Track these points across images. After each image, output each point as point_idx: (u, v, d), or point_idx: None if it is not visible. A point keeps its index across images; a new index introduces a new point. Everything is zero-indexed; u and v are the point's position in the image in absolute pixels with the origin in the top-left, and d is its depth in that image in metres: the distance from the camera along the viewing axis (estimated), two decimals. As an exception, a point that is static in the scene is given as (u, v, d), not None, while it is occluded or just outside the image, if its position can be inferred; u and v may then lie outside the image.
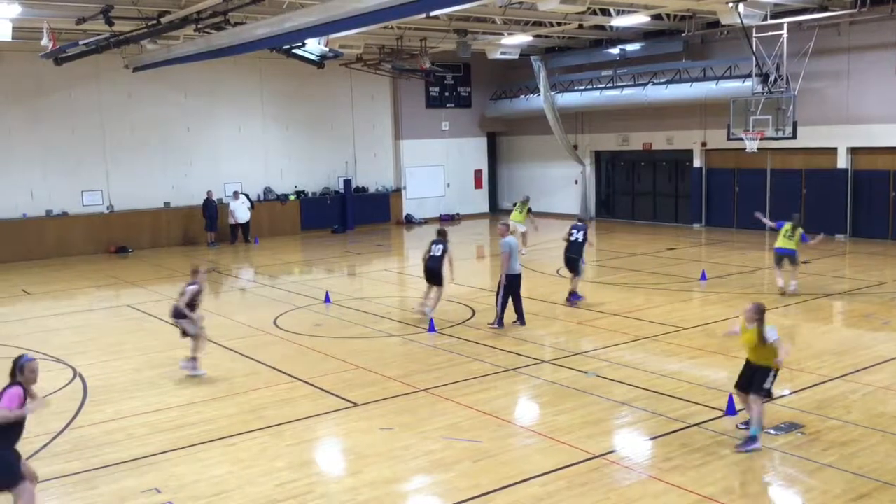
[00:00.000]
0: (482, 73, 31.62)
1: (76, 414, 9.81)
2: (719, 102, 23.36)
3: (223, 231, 25.94)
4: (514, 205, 23.47)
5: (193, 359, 11.30)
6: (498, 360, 11.61)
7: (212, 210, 25.53)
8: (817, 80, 22.33)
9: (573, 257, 15.18)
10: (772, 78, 20.90)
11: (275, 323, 14.47)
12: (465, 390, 10.23)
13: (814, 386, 9.96)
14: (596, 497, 7.14)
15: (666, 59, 25.55)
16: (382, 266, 21.53)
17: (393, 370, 11.27)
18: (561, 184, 31.07)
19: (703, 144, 26.24)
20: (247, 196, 26.42)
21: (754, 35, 20.91)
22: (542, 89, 28.63)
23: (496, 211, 32.65)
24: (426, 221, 30.95)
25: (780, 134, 20.57)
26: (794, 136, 20.58)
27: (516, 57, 26.15)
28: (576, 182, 30.51)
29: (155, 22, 17.63)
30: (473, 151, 32.62)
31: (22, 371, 6.63)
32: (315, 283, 18.48)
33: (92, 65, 22.30)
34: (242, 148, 27.50)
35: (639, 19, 21.25)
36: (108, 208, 25.22)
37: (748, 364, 8.45)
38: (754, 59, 21.25)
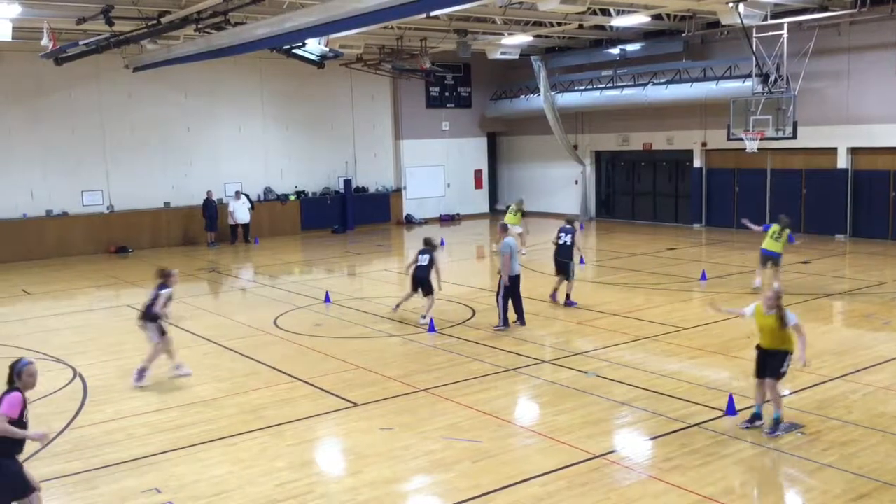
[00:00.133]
0: (482, 73, 31.63)
1: (76, 414, 9.81)
2: (719, 102, 23.36)
3: (223, 231, 25.94)
4: (508, 207, 23.57)
5: (143, 369, 10.84)
6: (498, 361, 11.62)
7: (212, 210, 25.54)
8: (817, 81, 22.34)
9: (564, 261, 14.97)
10: (772, 78, 20.90)
11: (275, 323, 14.47)
12: (466, 390, 10.23)
13: (814, 386, 9.96)
14: (596, 497, 7.14)
15: (666, 60, 25.55)
16: (382, 266, 21.53)
17: (393, 370, 11.27)
18: (561, 184, 31.07)
19: (704, 144, 26.24)
20: (247, 196, 26.42)
21: (754, 35, 20.91)
22: (542, 89, 28.63)
23: (496, 211, 32.63)
24: (426, 222, 30.96)
25: (781, 134, 20.57)
26: (794, 137, 20.58)
27: (516, 57, 26.15)
28: (576, 182, 30.51)
29: (155, 22, 17.63)
30: (473, 151, 32.62)
31: (20, 376, 6.47)
32: (315, 283, 18.48)
33: (92, 65, 22.31)
34: (243, 148, 27.50)
35: (639, 19, 21.25)
36: (108, 208, 25.23)
37: (762, 351, 8.58)
38: (754, 59, 21.26)
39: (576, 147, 30.14)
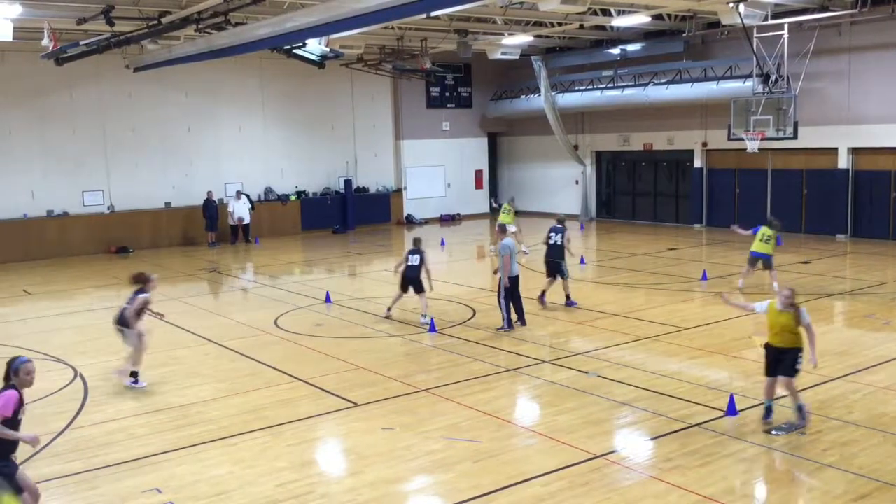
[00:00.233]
0: (483, 74, 31.63)
1: (77, 414, 9.81)
2: (720, 103, 23.36)
3: (224, 231, 25.94)
4: (500, 206, 23.65)
5: (134, 373, 10.74)
6: (499, 361, 11.62)
7: (212, 210, 25.54)
8: (818, 81, 22.33)
9: (555, 261, 14.85)
10: (772, 78, 20.90)
11: (275, 323, 14.47)
12: (466, 390, 10.23)
13: (815, 386, 9.94)
14: (597, 497, 7.13)
15: (667, 60, 25.55)
16: (383, 266, 21.50)
17: (394, 370, 11.27)
18: (562, 184, 31.07)
19: (704, 145, 26.23)
20: (248, 196, 26.41)
21: (755, 35, 20.90)
22: (542, 89, 28.62)
23: (496, 211, 32.59)
24: (427, 222, 30.96)
25: (781, 134, 20.56)
26: (794, 137, 20.58)
27: (517, 57, 26.14)
28: (576, 182, 30.50)
29: (156, 22, 17.64)
30: (474, 152, 32.62)
31: (17, 373, 6.34)
32: (316, 284, 18.48)
33: (93, 65, 22.31)
34: (243, 148, 27.50)
35: (639, 19, 21.25)
36: (108, 208, 25.23)
37: (772, 349, 8.64)
38: (755, 59, 21.25)
39: (576, 147, 30.14)
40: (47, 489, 7.63)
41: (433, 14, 17.25)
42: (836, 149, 22.76)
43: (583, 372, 10.89)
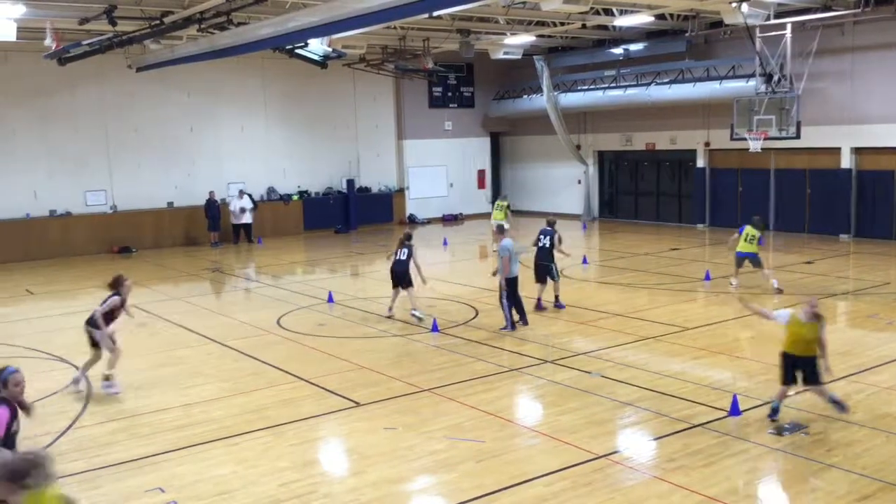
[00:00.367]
0: (485, 73, 31.62)
1: (80, 414, 9.82)
2: (723, 102, 23.33)
3: (226, 231, 25.95)
4: (494, 204, 23.71)
5: (107, 376, 10.54)
6: (501, 361, 11.61)
7: (214, 210, 25.55)
8: (821, 80, 22.29)
9: (543, 264, 14.61)
10: (775, 78, 20.86)
11: (278, 323, 14.48)
12: (469, 390, 10.22)
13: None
14: (600, 497, 7.12)
15: (669, 59, 25.52)
16: (385, 266, 21.44)
17: (396, 370, 11.26)
18: (564, 184, 31.05)
19: (707, 144, 26.21)
20: (250, 196, 26.38)
21: (758, 35, 20.87)
22: (545, 89, 28.60)
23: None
24: (429, 222, 30.96)
25: (784, 134, 20.52)
26: (797, 136, 20.54)
27: (519, 57, 26.13)
28: (579, 182, 30.48)
29: (158, 22, 17.66)
30: (476, 151, 32.61)
31: (6, 385, 5.99)
32: (318, 283, 18.48)
33: (95, 65, 22.32)
34: (245, 148, 27.51)
35: (642, 19, 21.24)
36: (111, 208, 25.25)
37: (791, 357, 8.67)
38: (758, 58, 21.21)
39: (579, 147, 30.12)
40: (50, 489, 7.64)
41: (435, 14, 17.27)
42: (839, 149, 22.73)
43: (586, 372, 10.88)
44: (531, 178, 32.53)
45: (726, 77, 23.96)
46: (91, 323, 10.56)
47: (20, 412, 6.11)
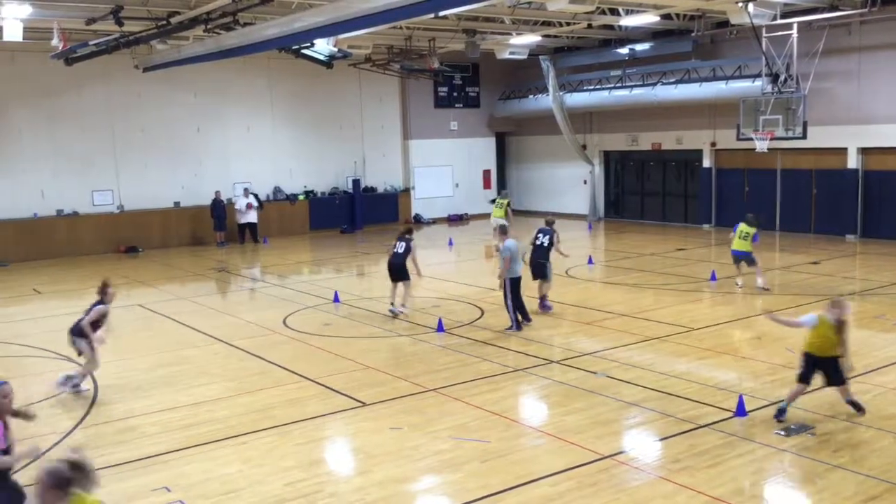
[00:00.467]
0: (491, 73, 31.61)
1: (87, 412, 9.85)
2: (729, 102, 23.29)
3: (232, 231, 25.99)
4: (493, 201, 23.75)
5: (72, 376, 10.43)
6: (507, 361, 11.61)
7: (220, 210, 25.60)
8: (828, 80, 22.24)
9: (540, 262, 14.52)
10: (782, 78, 20.81)
11: (284, 322, 14.50)
12: (474, 390, 10.22)
13: (824, 387, 9.89)
14: (605, 498, 7.12)
15: (675, 59, 25.48)
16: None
17: (402, 370, 11.28)
18: (570, 184, 31.03)
19: (713, 144, 26.17)
20: (256, 196, 26.40)
21: (764, 35, 20.82)
22: (550, 89, 28.60)
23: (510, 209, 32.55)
24: (435, 221, 30.97)
25: (791, 134, 20.48)
26: (804, 136, 20.49)
27: (525, 57, 26.12)
28: (585, 182, 30.46)
29: (164, 22, 17.70)
30: (482, 151, 32.61)
31: None
32: (324, 283, 18.51)
33: (102, 65, 22.38)
34: (252, 148, 27.56)
35: (648, 19, 21.21)
36: (118, 208, 25.32)
37: (813, 358, 8.70)
38: (764, 58, 21.17)
39: (584, 147, 30.10)
40: (57, 488, 7.67)
41: (441, 14, 17.31)
42: (845, 149, 22.67)
43: (591, 372, 10.87)
44: (537, 178, 32.51)
45: (732, 77, 23.92)
46: (75, 332, 10.40)
47: (16, 423, 6.01)
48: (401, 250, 14.53)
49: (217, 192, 25.66)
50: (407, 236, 14.76)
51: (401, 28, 22.44)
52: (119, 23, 16.79)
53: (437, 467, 7.92)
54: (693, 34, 23.74)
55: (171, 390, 10.69)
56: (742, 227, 16.00)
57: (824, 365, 8.69)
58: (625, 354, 11.72)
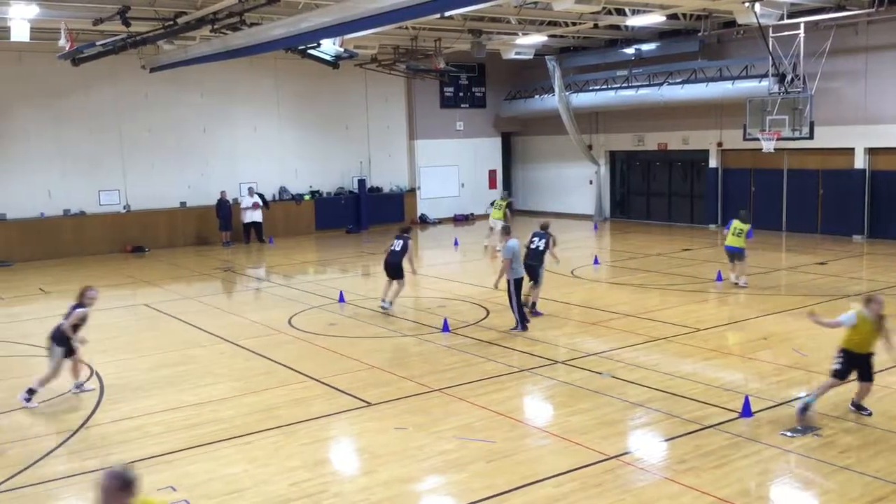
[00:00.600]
0: (497, 73, 31.60)
1: (93, 412, 9.87)
2: (735, 102, 23.22)
3: (238, 231, 26.03)
4: (493, 203, 23.84)
5: (31, 390, 10.10)
6: (512, 361, 11.60)
7: (225, 210, 25.64)
8: (834, 80, 22.17)
9: (533, 265, 14.27)
10: (788, 78, 20.75)
11: (289, 322, 14.52)
12: (479, 391, 10.22)
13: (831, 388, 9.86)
14: (611, 498, 7.11)
15: (681, 59, 25.44)
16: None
17: (407, 370, 11.28)
18: (576, 184, 31.00)
19: (719, 144, 26.11)
20: (261, 196, 26.42)
21: (771, 35, 20.76)
22: (556, 89, 28.57)
23: (510, 210, 32.52)
24: (440, 222, 30.96)
25: (797, 134, 20.41)
26: (811, 137, 20.42)
27: (531, 57, 26.11)
28: (590, 182, 30.42)
29: (171, 23, 17.75)
30: (488, 151, 32.60)
31: None
32: (329, 283, 18.52)
33: (109, 65, 22.43)
34: (258, 148, 27.60)
35: (654, 19, 21.17)
36: (124, 208, 25.39)
37: (851, 354, 8.82)
38: (771, 58, 21.10)
39: (590, 147, 30.06)
40: (63, 487, 7.70)
41: (447, 14, 17.29)
42: (852, 149, 22.60)
43: (596, 372, 10.86)
44: (543, 178, 32.49)
45: (739, 77, 23.86)
46: (55, 338, 10.22)
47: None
48: (398, 248, 14.78)
49: (223, 193, 25.69)
50: (405, 235, 15.00)
51: (407, 28, 22.44)
52: (126, 23, 16.84)
53: (442, 467, 7.92)
54: (699, 34, 23.71)
55: (176, 390, 10.70)
56: (736, 223, 16.22)
57: (861, 361, 8.79)
58: (630, 355, 11.70)
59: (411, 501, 7.36)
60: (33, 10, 16.19)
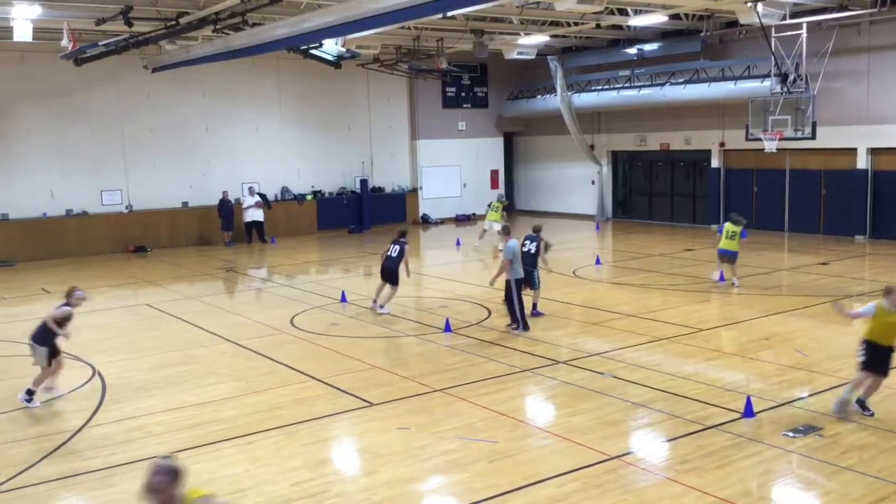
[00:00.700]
0: (499, 73, 31.60)
1: (95, 412, 9.88)
2: (738, 102, 23.21)
3: (240, 231, 26.04)
4: (490, 205, 23.87)
5: (31, 391, 10.09)
6: (514, 361, 11.60)
7: (227, 210, 25.65)
8: (837, 80, 22.15)
9: (527, 269, 14.03)
10: (791, 78, 20.74)
11: (291, 322, 14.52)
12: (481, 391, 10.22)
13: (832, 388, 9.86)
14: (612, 498, 7.11)
15: (684, 59, 25.42)
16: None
17: (409, 370, 11.28)
18: (578, 184, 30.99)
19: (722, 145, 26.08)
20: (262, 196, 26.42)
21: (773, 35, 20.75)
22: (558, 89, 28.56)
23: (513, 211, 32.58)
24: (442, 222, 30.96)
25: (799, 134, 20.40)
26: (813, 137, 20.41)
27: (533, 57, 26.10)
28: (592, 182, 30.41)
29: (173, 23, 17.75)
30: (490, 152, 32.59)
31: None
32: (331, 283, 18.53)
33: (111, 65, 22.45)
34: (260, 148, 27.62)
35: (656, 19, 21.16)
36: (126, 208, 25.41)
37: (874, 346, 8.85)
38: (773, 58, 21.09)
39: (592, 147, 30.05)
40: (65, 486, 7.71)
41: (449, 14, 17.27)
42: (854, 149, 22.57)
43: (598, 373, 10.85)
44: (545, 178, 32.48)
45: (741, 77, 23.84)
46: (37, 339, 10.17)
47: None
48: (395, 254, 14.89)
49: (224, 193, 25.71)
50: (401, 240, 15.06)
51: (409, 28, 22.44)
52: (128, 23, 16.84)
53: (444, 467, 7.92)
54: (702, 34, 23.69)
55: (177, 390, 10.71)
56: (728, 226, 16.33)
57: (884, 353, 8.83)
58: (632, 355, 11.69)
59: (413, 501, 7.36)
60: (36, 11, 16.21)
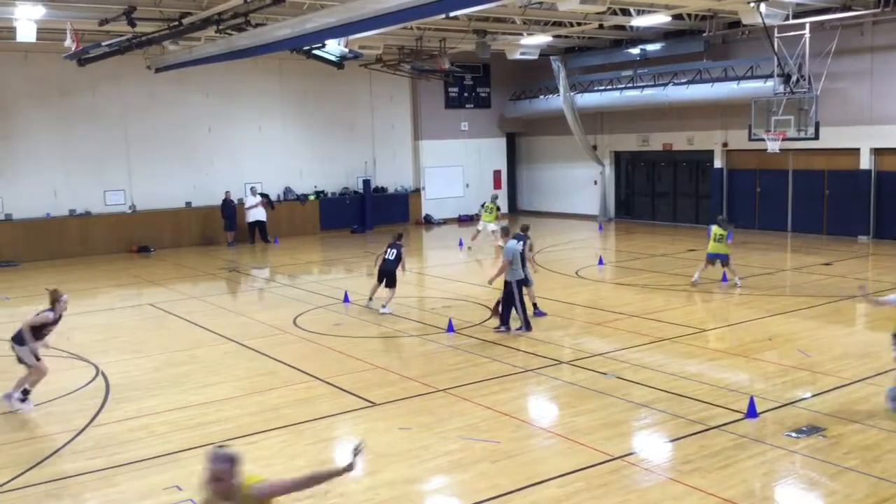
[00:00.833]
0: (501, 74, 31.59)
1: (98, 411, 9.90)
2: (741, 103, 23.19)
3: (243, 231, 26.06)
4: (483, 205, 23.89)
5: (25, 391, 9.92)
6: (516, 361, 11.60)
7: (230, 210, 25.68)
8: (840, 81, 22.12)
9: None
10: (794, 78, 20.73)
11: (294, 322, 14.54)
12: (484, 391, 10.22)
13: (836, 389, 9.86)
14: (615, 499, 7.11)
15: (687, 59, 25.39)
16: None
17: (412, 370, 11.29)
18: (580, 184, 30.97)
19: (725, 145, 26.06)
20: (265, 196, 26.44)
21: (776, 35, 20.74)
22: (561, 90, 28.54)
23: (515, 211, 32.60)
24: (445, 222, 30.96)
25: (803, 134, 20.39)
26: (816, 137, 20.40)
27: (536, 57, 26.09)
28: (595, 183, 30.39)
29: (177, 23, 17.77)
30: (492, 152, 32.58)
31: None
32: (334, 283, 18.54)
33: (114, 65, 22.44)
34: (263, 148, 27.63)
35: (659, 19, 21.15)
36: (130, 208, 25.44)
37: None
38: (776, 59, 21.08)
39: (595, 147, 30.03)
40: (69, 486, 7.72)
41: (452, 14, 17.30)
42: (858, 149, 22.54)
43: (601, 373, 10.85)
44: (547, 178, 32.47)
45: (744, 77, 23.82)
46: (15, 339, 9.98)
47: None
48: (392, 257, 15.08)
49: (227, 193, 25.73)
50: (397, 243, 15.30)
51: (411, 28, 22.45)
52: (131, 24, 16.87)
53: (447, 468, 7.93)
54: (705, 34, 23.66)
55: (181, 389, 10.73)
56: (715, 229, 16.51)
57: None
58: (635, 355, 11.69)
59: (416, 501, 7.37)
60: (39, 11, 16.24)
